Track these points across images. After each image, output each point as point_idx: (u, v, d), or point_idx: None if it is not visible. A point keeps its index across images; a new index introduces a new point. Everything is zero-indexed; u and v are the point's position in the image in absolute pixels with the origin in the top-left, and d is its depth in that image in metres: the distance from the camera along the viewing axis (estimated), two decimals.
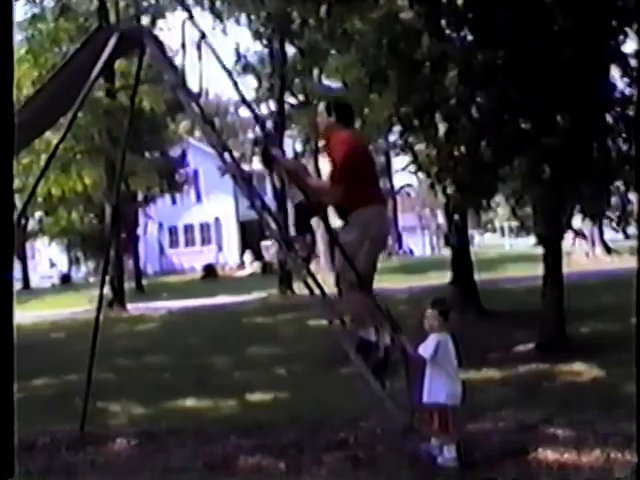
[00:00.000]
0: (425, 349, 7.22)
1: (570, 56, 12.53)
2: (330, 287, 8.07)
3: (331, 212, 8.04)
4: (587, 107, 13.23)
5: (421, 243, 77.09)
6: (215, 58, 8.15)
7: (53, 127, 10.00)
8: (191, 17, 8.87)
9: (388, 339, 7.73)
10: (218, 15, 33.75)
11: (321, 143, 9.47)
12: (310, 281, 7.64)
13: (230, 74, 8.12)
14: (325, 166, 8.16)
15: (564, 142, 12.58)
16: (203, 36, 8.36)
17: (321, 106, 8.07)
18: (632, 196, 15.06)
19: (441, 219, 78.47)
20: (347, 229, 7.66)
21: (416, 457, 7.41)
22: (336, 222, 8.03)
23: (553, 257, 14.69)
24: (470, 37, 13.60)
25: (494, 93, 12.66)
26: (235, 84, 8.10)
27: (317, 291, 7.81)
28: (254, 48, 39.87)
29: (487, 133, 13.32)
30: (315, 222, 8.41)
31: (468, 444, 7.45)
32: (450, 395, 7.24)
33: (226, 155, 8.20)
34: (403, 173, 43.12)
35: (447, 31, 13.84)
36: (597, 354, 13.14)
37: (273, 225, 8.11)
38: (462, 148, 13.84)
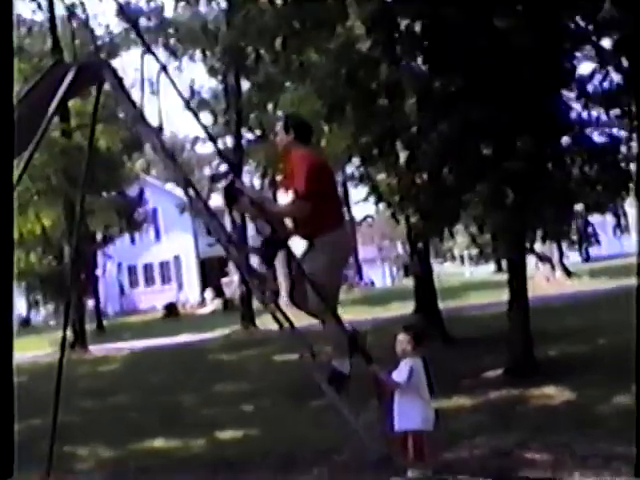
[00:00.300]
0: (399, 374, 7.07)
1: (527, 77, 12.54)
2: (298, 319, 7.92)
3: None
4: (546, 129, 13.23)
5: (381, 274, 77.15)
6: (174, 89, 7.99)
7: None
8: (149, 50, 8.75)
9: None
10: (173, 52, 33.70)
11: (279, 167, 9.24)
12: (278, 314, 7.47)
13: (188, 103, 8.00)
14: (283, 198, 7.97)
15: (525, 165, 12.56)
16: (164, 68, 8.30)
17: (279, 125, 7.89)
18: (591, 218, 15.06)
19: (400, 249, 78.95)
20: (313, 256, 7.46)
21: None
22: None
23: (518, 281, 14.65)
24: (427, 64, 13.55)
25: (454, 118, 12.61)
26: (195, 114, 7.95)
27: (285, 324, 7.64)
28: (208, 84, 39.90)
29: (449, 159, 13.28)
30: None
31: (445, 473, 7.31)
32: (424, 420, 7.10)
33: (189, 189, 8.07)
34: (359, 204, 43.03)
35: (404, 58, 13.78)
36: (567, 376, 13.07)
37: (239, 258, 7.94)
38: (424, 175, 13.79)
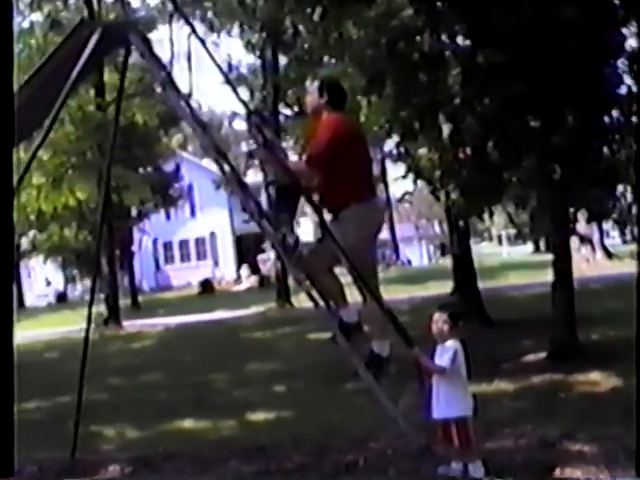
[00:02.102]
0: (442, 359, 6.64)
1: (575, 48, 12.02)
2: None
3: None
4: (594, 103, 12.73)
5: (418, 253, 76.88)
6: (213, 62, 7.57)
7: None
8: (187, 22, 8.37)
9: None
10: (210, 26, 33.32)
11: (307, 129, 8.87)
12: (314, 292, 7.06)
13: (227, 77, 7.55)
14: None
15: (573, 141, 12.07)
16: (202, 41, 7.89)
17: (313, 86, 7.49)
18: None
19: (438, 229, 78.60)
20: (336, 229, 7.08)
21: None
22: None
23: (562, 262, 14.16)
24: (471, 34, 13.05)
25: (500, 91, 12.12)
26: (233, 87, 7.53)
27: (321, 302, 7.23)
28: (246, 60, 39.55)
29: (494, 133, 12.79)
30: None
31: (489, 464, 6.86)
32: (467, 406, 6.71)
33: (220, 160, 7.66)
34: (398, 182, 42.62)
35: (447, 29, 13.31)
36: (612, 362, 12.56)
37: (270, 234, 7.49)
38: (467, 150, 13.31)
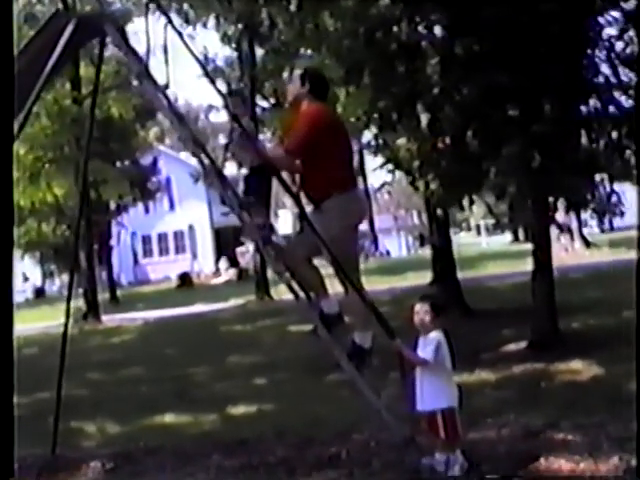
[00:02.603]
0: (425, 350, 6.57)
1: (554, 36, 12.00)
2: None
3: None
4: (573, 92, 12.72)
5: (397, 244, 76.90)
6: (190, 54, 7.49)
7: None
8: (165, 14, 8.30)
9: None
10: (186, 19, 33.15)
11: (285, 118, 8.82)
12: (294, 284, 7.00)
13: (205, 68, 7.47)
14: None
15: (552, 129, 12.05)
16: (179, 34, 7.81)
17: (295, 74, 7.43)
18: (616, 187, 14.62)
19: (416, 219, 78.65)
20: (318, 219, 7.02)
21: (417, 473, 6.75)
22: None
23: (542, 251, 14.15)
24: (449, 23, 12.99)
25: (479, 80, 12.08)
26: (210, 78, 7.44)
27: (301, 294, 7.17)
28: (222, 52, 39.39)
29: (473, 122, 12.75)
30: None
31: (473, 455, 6.82)
32: (452, 397, 6.65)
33: (199, 151, 7.59)
34: (376, 172, 42.61)
35: (424, 19, 13.25)
36: (593, 350, 12.60)
37: (251, 222, 7.40)
38: (446, 140, 13.27)
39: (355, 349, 7.06)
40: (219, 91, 7.65)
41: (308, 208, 7.26)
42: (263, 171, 7.20)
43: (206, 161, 7.51)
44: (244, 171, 7.40)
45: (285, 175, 7.37)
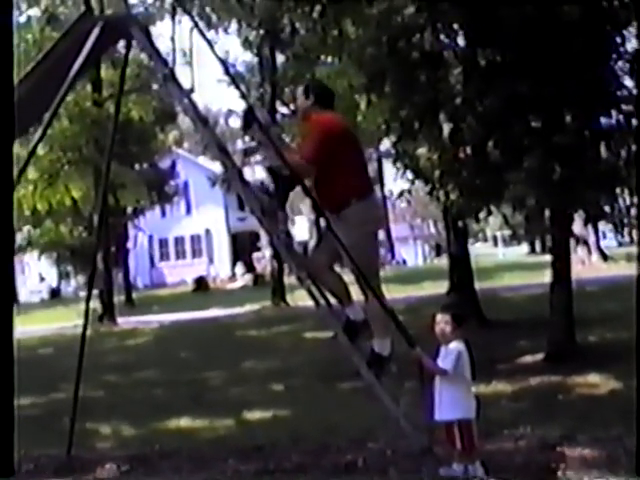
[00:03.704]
0: (446, 360, 6.56)
1: (576, 48, 11.96)
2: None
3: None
4: (595, 104, 12.67)
5: (413, 253, 76.82)
6: (213, 54, 7.50)
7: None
8: (188, 13, 8.32)
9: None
10: (207, 22, 33.24)
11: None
12: (314, 290, 6.99)
13: (227, 69, 7.49)
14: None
15: (574, 140, 12.01)
16: (202, 34, 7.84)
17: (299, 89, 7.51)
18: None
19: (433, 228, 78.61)
20: (341, 225, 7.02)
21: None
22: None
23: (561, 263, 14.10)
24: (473, 33, 12.97)
25: (501, 90, 12.06)
26: (233, 79, 7.43)
27: (321, 301, 7.15)
28: (243, 58, 39.48)
29: (495, 132, 12.71)
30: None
31: (489, 466, 6.79)
32: (470, 408, 6.64)
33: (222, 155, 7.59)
34: (393, 182, 42.58)
35: (448, 28, 13.23)
36: (610, 364, 12.50)
37: (270, 229, 7.42)
38: (467, 149, 13.23)
39: (374, 356, 7.06)
40: (243, 94, 7.66)
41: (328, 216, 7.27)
42: (281, 176, 7.24)
43: (229, 165, 7.52)
44: (260, 174, 7.45)
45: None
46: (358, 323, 7.13)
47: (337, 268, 7.39)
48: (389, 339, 7.20)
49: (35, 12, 32.12)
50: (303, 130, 7.86)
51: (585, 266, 37.11)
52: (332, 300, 7.32)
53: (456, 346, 6.56)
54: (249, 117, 7.30)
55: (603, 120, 13.63)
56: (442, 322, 6.66)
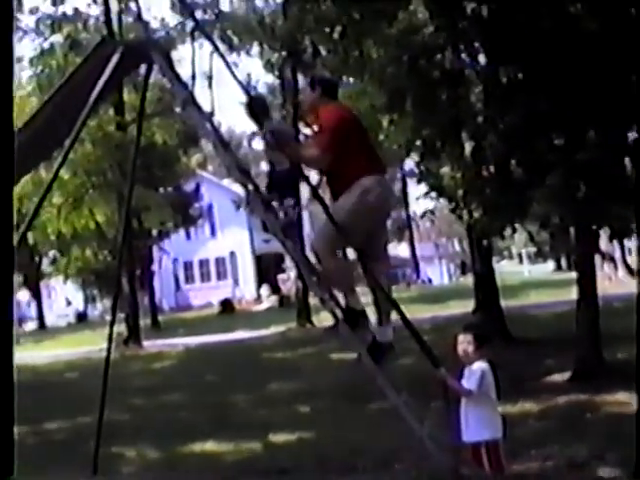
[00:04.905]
0: (470, 381, 6.50)
1: (598, 64, 11.89)
2: None
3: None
4: (618, 119, 12.58)
5: (439, 272, 76.54)
6: (233, 78, 7.53)
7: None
8: (209, 38, 8.31)
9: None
10: (229, 45, 33.43)
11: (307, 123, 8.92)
12: (337, 311, 6.91)
13: (248, 92, 7.42)
14: None
15: (597, 157, 11.93)
16: (223, 57, 7.83)
17: (304, 83, 7.52)
18: None
19: (458, 247, 78.37)
20: (343, 199, 6.96)
21: None
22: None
23: (586, 280, 14.00)
24: (493, 51, 12.93)
25: (523, 108, 12.00)
26: (248, 94, 7.39)
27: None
28: (265, 79, 39.64)
29: (517, 150, 12.66)
30: None
31: None
32: (496, 428, 6.56)
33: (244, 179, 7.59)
34: (417, 201, 42.61)
35: (468, 46, 13.21)
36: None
37: (293, 252, 7.40)
38: (490, 167, 13.18)
39: (375, 344, 6.95)
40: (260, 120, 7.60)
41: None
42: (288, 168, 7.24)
43: (250, 187, 7.51)
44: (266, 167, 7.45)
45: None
46: (358, 312, 6.98)
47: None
48: (390, 325, 7.06)
49: (58, 38, 32.37)
50: (310, 122, 7.79)
51: (612, 282, 36.88)
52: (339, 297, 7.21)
53: (479, 366, 6.50)
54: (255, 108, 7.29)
55: (627, 135, 13.55)
56: (464, 342, 6.60)
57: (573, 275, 15.08)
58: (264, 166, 7.76)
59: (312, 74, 8.23)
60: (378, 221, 7.29)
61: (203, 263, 64.19)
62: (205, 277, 64.18)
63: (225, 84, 33.18)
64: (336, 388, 14.87)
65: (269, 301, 49.71)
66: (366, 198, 6.85)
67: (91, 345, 28.44)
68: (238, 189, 47.59)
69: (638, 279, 12.40)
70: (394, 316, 7.12)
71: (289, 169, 7.29)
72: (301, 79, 33.10)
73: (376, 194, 6.95)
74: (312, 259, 7.13)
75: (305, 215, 33.45)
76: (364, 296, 7.32)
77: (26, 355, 28.31)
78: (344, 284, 7.11)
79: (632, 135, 13.39)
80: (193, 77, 35.44)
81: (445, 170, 14.63)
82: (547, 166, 12.43)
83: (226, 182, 56.76)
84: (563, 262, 63.61)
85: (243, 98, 7.34)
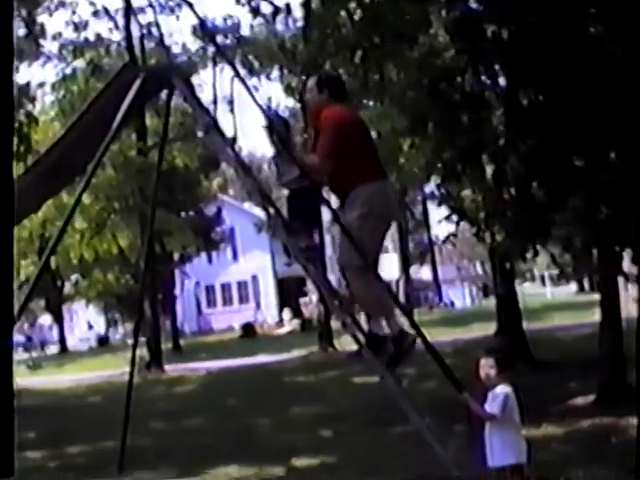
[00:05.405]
0: (493, 405, 6.46)
1: (619, 85, 11.84)
2: None
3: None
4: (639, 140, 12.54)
5: (461, 294, 76.27)
6: (253, 102, 7.56)
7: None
8: (230, 63, 8.32)
9: (397, 329, 6.92)
10: (250, 70, 33.58)
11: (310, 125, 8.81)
12: (358, 334, 6.88)
13: (269, 118, 7.38)
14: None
15: (620, 178, 11.87)
16: (243, 81, 7.86)
17: (311, 81, 7.39)
18: None
19: (480, 269, 78.10)
20: (346, 209, 6.93)
21: None
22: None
23: (610, 302, 13.93)
24: (514, 74, 12.92)
25: (544, 130, 11.96)
26: (272, 125, 7.38)
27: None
28: (286, 103, 39.71)
29: (538, 173, 12.61)
30: None
31: None
32: (521, 452, 6.50)
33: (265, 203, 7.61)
34: (439, 224, 42.51)
35: (489, 69, 13.20)
36: None
37: (315, 276, 7.40)
38: (512, 190, 13.14)
39: (371, 337, 6.88)
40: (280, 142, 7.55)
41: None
42: (307, 193, 7.19)
43: (271, 211, 7.53)
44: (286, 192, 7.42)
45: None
46: (380, 337, 6.93)
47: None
48: (391, 319, 7.01)
49: (80, 64, 32.65)
50: (312, 124, 7.70)
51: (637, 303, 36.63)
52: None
53: (502, 390, 6.46)
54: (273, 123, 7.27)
55: None
56: (486, 366, 6.57)
57: (596, 297, 15.01)
58: (285, 190, 7.67)
59: (319, 73, 8.09)
60: (385, 225, 7.28)
61: (225, 287, 64.29)
62: (227, 301, 64.28)
63: (246, 107, 33.31)
64: (359, 412, 14.85)
65: (291, 325, 49.71)
66: (370, 206, 6.82)
67: (113, 369, 28.51)
68: (259, 212, 47.69)
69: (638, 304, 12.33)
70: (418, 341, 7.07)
71: (309, 194, 7.24)
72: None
73: (379, 201, 6.94)
74: (337, 280, 7.11)
75: (327, 238, 33.52)
76: None
77: (48, 379, 28.42)
78: (379, 308, 7.03)
79: None
80: (215, 101, 35.51)
81: (466, 193, 14.60)
82: (569, 188, 12.39)
83: (247, 205, 56.93)
84: (586, 284, 63.28)
85: (264, 122, 7.31)
